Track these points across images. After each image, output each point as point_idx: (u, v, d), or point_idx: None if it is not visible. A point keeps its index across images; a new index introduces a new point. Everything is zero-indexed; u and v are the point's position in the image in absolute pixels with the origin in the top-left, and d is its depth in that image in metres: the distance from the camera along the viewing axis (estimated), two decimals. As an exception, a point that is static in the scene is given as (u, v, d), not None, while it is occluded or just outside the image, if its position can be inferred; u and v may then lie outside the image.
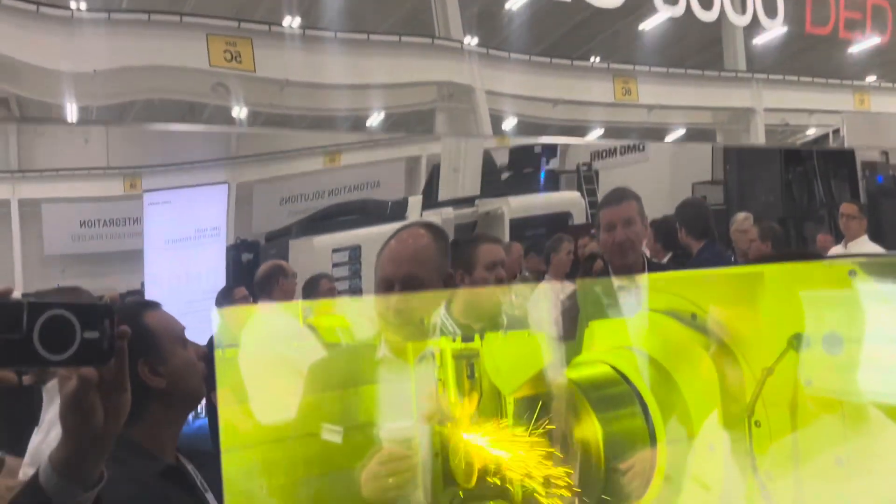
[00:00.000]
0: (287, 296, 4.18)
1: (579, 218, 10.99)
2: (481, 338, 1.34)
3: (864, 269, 1.22)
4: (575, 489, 1.34)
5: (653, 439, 1.40)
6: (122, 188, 12.28)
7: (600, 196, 10.67)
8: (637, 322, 1.52)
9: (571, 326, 1.58)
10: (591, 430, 1.38)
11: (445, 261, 1.91)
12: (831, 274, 1.28)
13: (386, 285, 1.70)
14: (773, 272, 1.34)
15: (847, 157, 9.10)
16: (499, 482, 1.37)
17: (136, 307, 1.75)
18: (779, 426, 1.32)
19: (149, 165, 12.00)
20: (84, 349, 0.92)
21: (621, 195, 3.10)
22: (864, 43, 11.16)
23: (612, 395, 1.43)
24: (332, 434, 1.60)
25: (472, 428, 1.37)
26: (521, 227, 10.15)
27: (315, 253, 9.17)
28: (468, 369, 1.38)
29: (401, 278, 1.69)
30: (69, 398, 0.95)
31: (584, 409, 1.39)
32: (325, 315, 1.49)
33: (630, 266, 2.97)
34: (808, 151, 9.66)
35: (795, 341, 1.29)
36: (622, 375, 1.45)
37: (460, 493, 1.40)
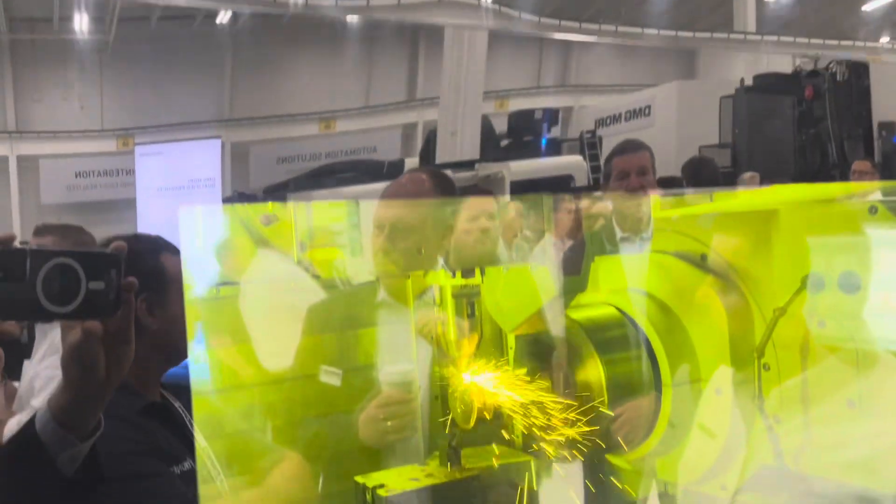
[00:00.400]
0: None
1: (581, 181, 10.86)
2: (482, 273, 1.27)
3: (888, 206, 1.16)
4: (576, 432, 1.27)
5: (658, 383, 1.35)
6: (116, 146, 12.28)
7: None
8: (643, 263, 1.46)
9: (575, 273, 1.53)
10: (594, 372, 1.34)
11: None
12: (850, 212, 1.22)
13: (376, 227, 1.63)
14: (789, 210, 1.27)
15: (863, 116, 8.91)
16: (498, 424, 1.33)
17: (157, 243, 1.70)
18: (788, 368, 1.27)
19: (142, 127, 11.92)
20: (89, 301, 0.87)
21: (636, 145, 3.02)
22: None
23: (616, 337, 1.39)
24: (330, 376, 1.56)
25: (472, 369, 1.32)
26: (523, 190, 10.04)
27: (313, 209, 9.07)
28: (468, 308, 1.33)
29: (389, 221, 1.62)
30: (72, 349, 0.91)
31: (587, 350, 1.34)
32: (321, 249, 1.43)
33: (641, 217, 2.90)
34: (821, 112, 9.44)
35: (809, 281, 1.24)
36: (627, 317, 1.40)
37: (459, 434, 1.34)
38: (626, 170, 2.87)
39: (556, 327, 1.36)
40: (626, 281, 1.44)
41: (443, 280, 1.27)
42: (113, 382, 0.96)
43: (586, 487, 1.41)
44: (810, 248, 1.24)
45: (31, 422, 0.98)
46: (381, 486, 1.27)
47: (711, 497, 1.41)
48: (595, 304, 1.42)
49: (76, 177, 11.95)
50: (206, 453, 1.43)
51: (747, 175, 6.32)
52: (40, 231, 2.56)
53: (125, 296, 0.90)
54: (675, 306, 1.39)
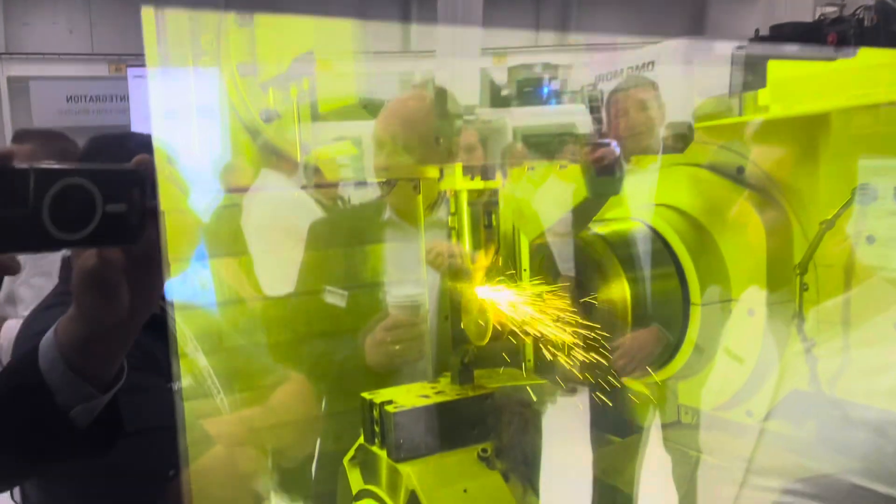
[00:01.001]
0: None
1: (584, 130, 10.64)
2: (504, 175, 1.15)
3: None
4: (594, 354, 1.17)
5: (686, 303, 1.24)
6: (108, 71, 11.90)
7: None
8: (674, 178, 1.34)
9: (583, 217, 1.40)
10: (618, 289, 1.23)
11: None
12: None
13: (376, 145, 1.50)
14: (841, 116, 1.14)
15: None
16: (514, 341, 1.22)
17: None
18: (829, 288, 1.17)
19: (135, 54, 11.51)
20: (107, 226, 0.72)
21: (635, 80, 2.85)
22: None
23: (643, 252, 1.27)
24: (335, 297, 1.46)
25: (487, 282, 1.21)
26: (524, 137, 9.80)
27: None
28: (486, 217, 1.21)
29: (389, 137, 1.49)
30: (86, 277, 0.75)
31: (612, 266, 1.23)
32: (329, 147, 1.31)
33: (645, 152, 2.76)
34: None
35: (859, 193, 1.12)
36: (655, 233, 1.28)
37: (472, 352, 1.25)
38: (625, 107, 2.71)
39: (581, 240, 1.24)
40: (655, 196, 1.32)
41: (459, 183, 1.15)
42: (138, 321, 0.79)
43: (594, 410, 1.33)
44: (863, 157, 1.11)
45: (34, 362, 0.79)
46: (390, 402, 1.18)
47: (735, 423, 1.32)
48: (621, 219, 1.30)
49: (67, 101, 11.59)
50: (206, 370, 1.35)
51: (755, 122, 6.05)
52: (20, 136, 2.33)
53: (150, 220, 0.74)
54: (708, 222, 1.28)
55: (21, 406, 0.79)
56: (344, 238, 1.53)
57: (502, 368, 1.36)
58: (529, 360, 1.50)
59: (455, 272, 1.25)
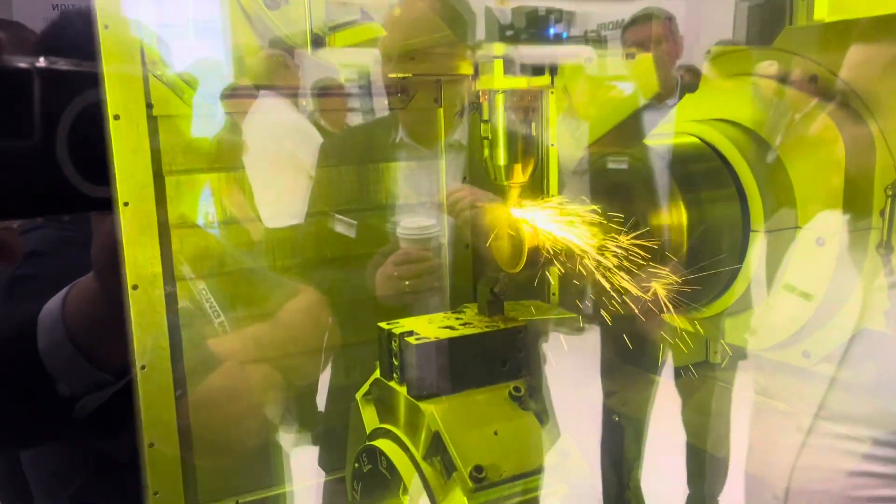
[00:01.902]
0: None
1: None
2: (553, 72, 0.97)
3: None
4: (648, 283, 1.05)
5: (746, 227, 1.08)
6: None
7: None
8: (735, 89, 1.16)
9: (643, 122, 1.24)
10: (675, 213, 1.06)
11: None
12: None
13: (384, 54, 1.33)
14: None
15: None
16: (561, 269, 1.09)
17: None
18: (917, 214, 0.99)
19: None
20: None
21: (648, 14, 2.63)
22: None
23: (701, 171, 1.11)
24: (344, 226, 1.31)
25: (524, 202, 1.05)
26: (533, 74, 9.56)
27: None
28: (526, 126, 1.04)
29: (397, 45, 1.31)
30: (112, 248, 0.64)
31: (668, 184, 1.06)
32: (348, 31, 1.12)
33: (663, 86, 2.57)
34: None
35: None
36: (714, 150, 1.11)
37: (503, 280, 1.10)
38: (639, 41, 2.51)
39: (633, 153, 1.07)
40: (713, 110, 1.14)
41: (499, 81, 0.97)
42: None
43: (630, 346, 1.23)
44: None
45: (31, 338, 0.67)
46: (411, 333, 1.06)
47: (782, 364, 1.18)
48: (676, 134, 1.13)
49: (53, 9, 11.11)
50: (204, 295, 1.20)
51: (765, 63, 5.81)
52: None
53: None
54: (773, 138, 1.10)
55: (11, 395, 0.67)
56: (356, 157, 1.38)
57: (530, 301, 1.27)
58: (554, 293, 1.40)
59: (476, 223, 1.09)
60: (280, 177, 1.30)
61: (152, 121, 1.18)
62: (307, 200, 1.31)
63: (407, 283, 1.37)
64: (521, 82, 0.99)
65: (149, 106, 1.16)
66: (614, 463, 1.34)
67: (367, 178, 1.37)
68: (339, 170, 1.35)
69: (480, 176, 1.39)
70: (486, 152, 1.07)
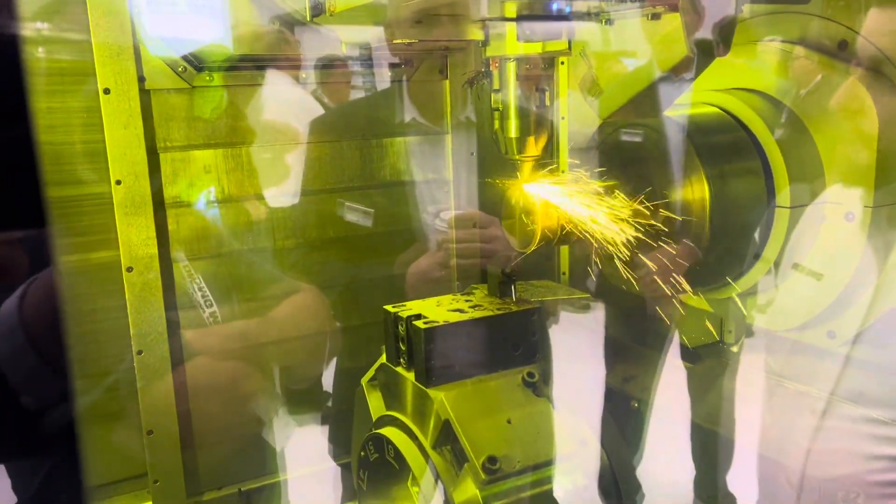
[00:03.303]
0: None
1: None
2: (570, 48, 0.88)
3: None
4: (665, 261, 0.96)
5: (771, 203, 1.00)
6: None
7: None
8: (759, 57, 1.07)
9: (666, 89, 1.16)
10: (696, 188, 0.98)
11: None
12: None
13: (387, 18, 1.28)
14: None
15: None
16: (563, 248, 0.99)
17: None
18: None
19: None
20: None
21: None
22: None
23: (724, 143, 1.03)
24: (358, 216, 1.30)
25: (536, 177, 0.97)
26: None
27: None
28: (538, 96, 0.95)
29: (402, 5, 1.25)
30: None
31: (689, 157, 0.98)
32: None
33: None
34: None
35: None
36: (737, 121, 1.03)
37: (515, 260, 1.04)
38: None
39: (653, 122, 0.99)
40: (736, 78, 1.06)
41: (512, 46, 0.88)
42: None
43: (646, 328, 1.19)
44: None
45: None
46: (419, 316, 0.99)
47: (802, 345, 1.11)
48: (696, 104, 1.04)
49: None
50: (199, 279, 1.14)
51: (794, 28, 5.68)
52: None
53: None
54: (800, 108, 1.02)
55: None
56: (358, 132, 1.31)
57: (538, 281, 1.22)
58: (565, 272, 1.35)
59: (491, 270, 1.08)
60: (281, 153, 1.24)
61: (145, 95, 1.12)
62: (306, 177, 1.25)
63: (438, 274, 1.34)
64: (536, 47, 0.91)
65: (141, 79, 1.10)
66: (630, 451, 1.29)
67: (370, 154, 1.31)
68: (341, 145, 1.29)
69: (490, 151, 1.33)
70: (497, 124, 0.99)
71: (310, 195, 1.26)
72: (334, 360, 1.35)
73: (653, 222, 0.97)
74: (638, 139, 1.04)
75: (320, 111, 1.27)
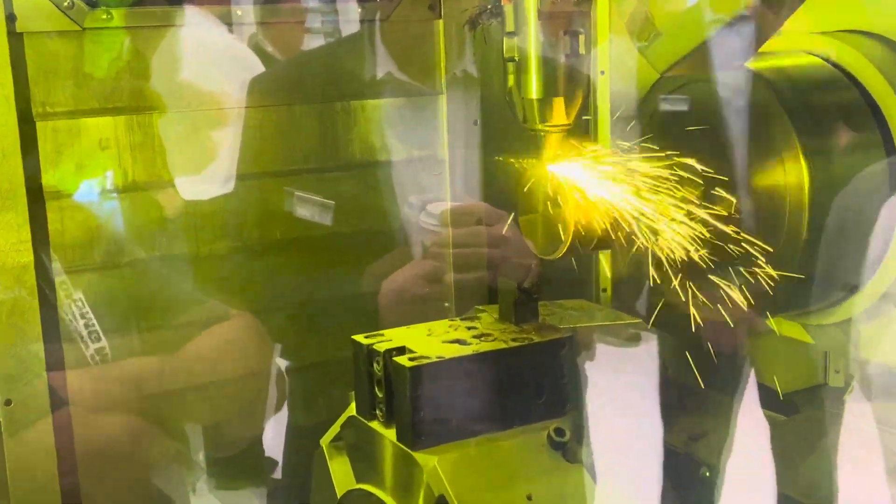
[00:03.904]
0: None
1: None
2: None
3: None
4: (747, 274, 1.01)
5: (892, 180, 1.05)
6: None
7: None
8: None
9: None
10: (789, 170, 1.03)
11: None
12: None
13: None
14: None
15: None
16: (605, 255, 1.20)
17: None
18: None
19: None
20: None
21: None
22: None
23: (829, 107, 1.08)
24: (313, 210, 1.34)
25: (567, 155, 1.01)
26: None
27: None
28: (568, 41, 0.98)
29: None
30: None
31: (780, 125, 1.03)
32: None
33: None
34: None
35: None
36: (848, 75, 1.08)
37: (536, 274, 1.08)
38: None
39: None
40: (848, 16, 1.12)
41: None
42: None
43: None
44: None
45: None
46: (402, 350, 1.00)
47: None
48: (791, 53, 1.08)
49: None
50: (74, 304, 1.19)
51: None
52: None
53: None
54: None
55: None
56: (316, 93, 1.35)
57: (568, 301, 1.28)
58: (606, 289, 1.43)
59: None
60: (208, 123, 1.27)
61: (16, 40, 1.13)
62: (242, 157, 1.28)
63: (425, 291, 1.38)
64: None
65: (10, 18, 1.11)
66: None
67: (333, 123, 1.34)
68: (292, 111, 1.31)
69: (500, 118, 1.34)
70: (512, 81, 1.01)
71: (248, 181, 1.28)
72: (282, 413, 1.37)
73: (730, 217, 0.99)
74: (708, 101, 1.06)
75: (260, 65, 1.29)
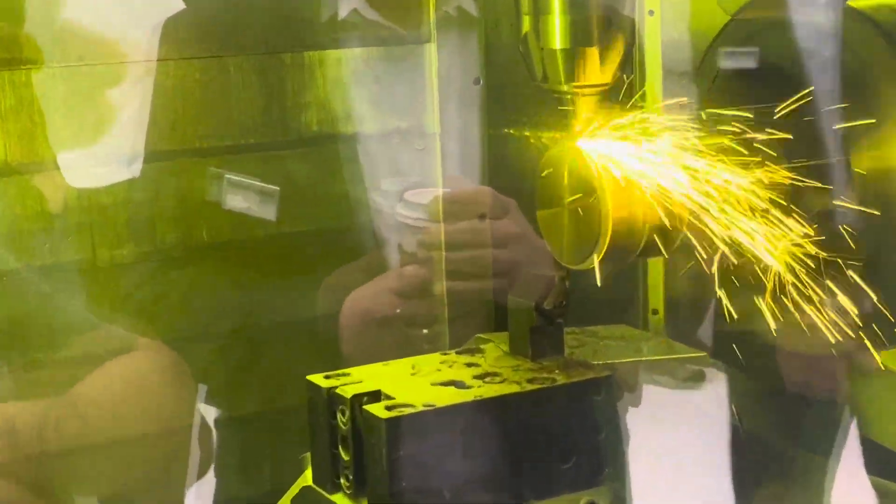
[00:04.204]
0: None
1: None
2: None
3: None
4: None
5: None
6: None
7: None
8: None
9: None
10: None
11: None
12: None
13: None
14: None
15: None
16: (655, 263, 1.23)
17: None
18: None
19: None
20: None
21: None
22: None
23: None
24: (249, 199, 1.36)
25: (603, 126, 1.04)
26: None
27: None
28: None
29: None
30: None
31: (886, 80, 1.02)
32: None
33: None
34: None
35: None
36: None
37: (559, 291, 1.10)
38: None
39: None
40: None
41: None
42: None
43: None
44: None
45: None
46: (376, 395, 1.02)
47: None
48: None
49: None
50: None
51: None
52: None
53: None
54: None
55: None
56: (256, 38, 1.38)
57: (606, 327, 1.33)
58: (657, 310, 1.45)
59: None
60: (105, 81, 1.28)
61: None
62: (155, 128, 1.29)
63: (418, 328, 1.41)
64: None
65: None
66: None
67: (280, 81, 1.37)
68: (224, 65, 1.33)
69: (511, 75, 1.35)
70: (528, 25, 1.03)
71: (162, 162, 1.30)
72: (208, 480, 1.38)
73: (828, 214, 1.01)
74: (797, 52, 1.07)
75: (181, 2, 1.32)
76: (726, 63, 1.22)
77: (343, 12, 1.37)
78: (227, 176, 1.32)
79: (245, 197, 1.34)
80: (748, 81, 1.15)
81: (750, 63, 1.18)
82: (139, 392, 1.31)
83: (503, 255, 1.34)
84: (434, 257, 1.37)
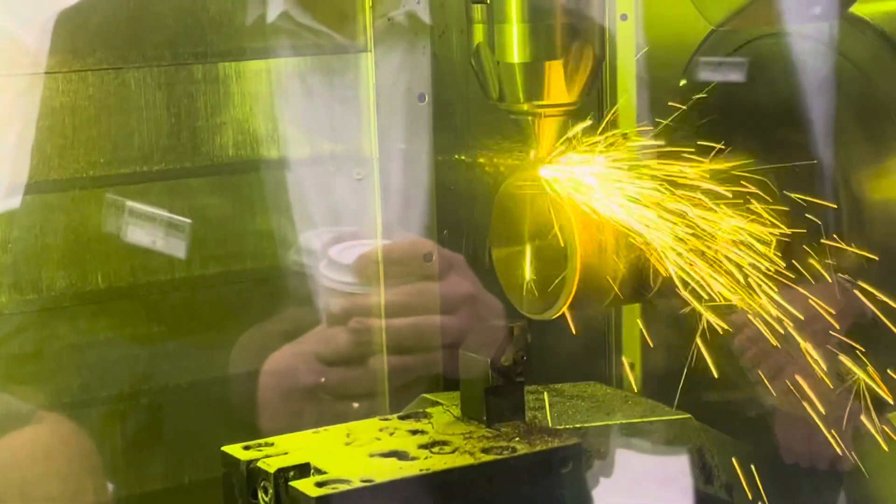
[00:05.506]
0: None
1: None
2: None
3: None
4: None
5: None
6: None
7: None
8: None
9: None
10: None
11: None
12: None
13: None
14: None
15: None
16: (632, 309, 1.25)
17: None
18: None
19: None
20: None
21: None
22: None
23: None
24: (154, 233, 1.36)
25: (569, 152, 1.06)
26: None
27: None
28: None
29: None
30: None
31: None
32: None
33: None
34: None
35: None
36: None
37: (522, 340, 1.10)
38: None
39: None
40: None
41: None
42: None
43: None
44: None
45: None
46: (305, 470, 1.03)
47: None
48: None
49: None
50: None
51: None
52: None
53: None
54: None
55: None
56: (163, 46, 1.38)
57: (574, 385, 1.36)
58: (634, 364, 1.48)
59: None
60: None
61: None
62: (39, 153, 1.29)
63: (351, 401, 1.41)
64: None
65: None
66: None
67: (190, 98, 1.37)
68: (123, 79, 1.33)
69: (462, 93, 1.39)
70: (480, 37, 1.06)
71: (48, 194, 1.30)
72: None
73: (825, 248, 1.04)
74: (790, 66, 1.10)
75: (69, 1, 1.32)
76: (711, 76, 1.23)
77: (271, 15, 1.36)
78: (130, 204, 1.31)
79: (150, 230, 1.33)
80: (737, 99, 1.18)
81: (738, 77, 1.20)
82: (28, 472, 1.30)
83: (451, 321, 1.34)
84: (369, 323, 1.38)
